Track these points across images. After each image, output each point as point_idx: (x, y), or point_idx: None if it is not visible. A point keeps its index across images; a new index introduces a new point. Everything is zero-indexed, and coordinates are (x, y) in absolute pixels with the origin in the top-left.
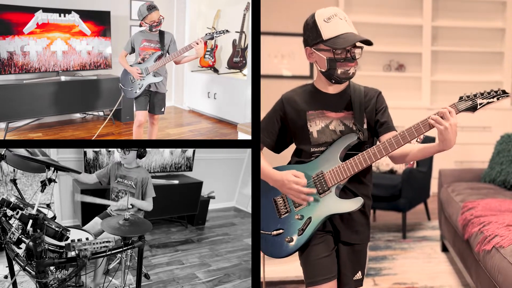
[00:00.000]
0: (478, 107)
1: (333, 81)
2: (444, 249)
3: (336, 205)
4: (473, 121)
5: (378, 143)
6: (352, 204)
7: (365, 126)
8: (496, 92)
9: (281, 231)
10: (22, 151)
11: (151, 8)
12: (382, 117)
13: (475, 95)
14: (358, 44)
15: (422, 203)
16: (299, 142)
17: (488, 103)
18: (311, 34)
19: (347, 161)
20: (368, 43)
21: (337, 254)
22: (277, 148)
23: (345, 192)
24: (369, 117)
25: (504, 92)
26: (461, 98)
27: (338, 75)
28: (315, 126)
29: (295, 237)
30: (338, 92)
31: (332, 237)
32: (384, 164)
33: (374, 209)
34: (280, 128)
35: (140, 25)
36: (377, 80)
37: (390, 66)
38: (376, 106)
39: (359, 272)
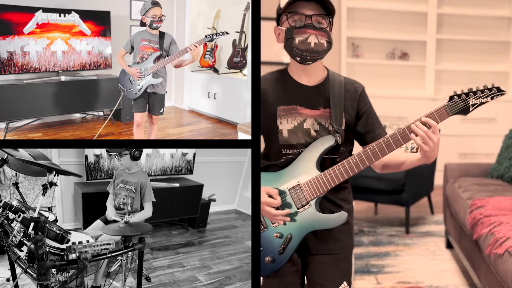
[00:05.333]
0: (471, 109)
1: (298, 58)
2: (449, 245)
3: (316, 220)
4: (477, 112)
5: (360, 151)
6: (334, 220)
7: (343, 126)
8: (490, 90)
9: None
10: (25, 154)
11: (155, 3)
12: (367, 124)
13: (467, 94)
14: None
15: (426, 196)
16: (266, 139)
17: (481, 103)
18: (276, 13)
19: (326, 172)
20: (328, 5)
21: (313, 265)
22: None
23: (322, 201)
24: (348, 116)
25: (499, 89)
26: (451, 98)
27: (296, 45)
28: (286, 124)
29: (276, 257)
30: (315, 85)
31: (295, 253)
32: None
33: (376, 203)
34: None
35: (142, 22)
36: (379, 68)
37: (394, 54)
38: (358, 107)
39: (344, 282)
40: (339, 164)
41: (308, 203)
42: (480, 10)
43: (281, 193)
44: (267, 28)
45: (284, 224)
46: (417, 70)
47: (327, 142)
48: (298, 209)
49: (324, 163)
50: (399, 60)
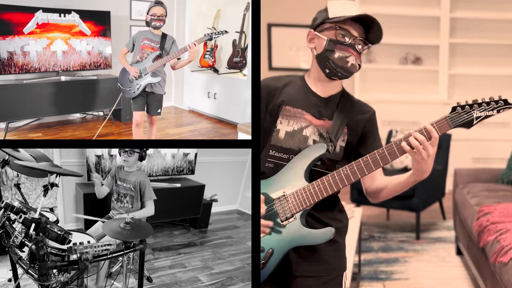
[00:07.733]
0: (475, 122)
1: (327, 70)
2: (459, 252)
3: (301, 236)
4: (491, 117)
5: (352, 163)
6: (320, 236)
7: (342, 144)
8: (496, 102)
9: None
10: (26, 155)
11: (157, 2)
12: (372, 148)
13: (471, 106)
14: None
15: (438, 201)
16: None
17: (486, 116)
18: (318, 16)
19: (314, 183)
20: (376, 31)
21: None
22: None
23: (310, 219)
24: (351, 136)
25: (506, 102)
26: (454, 109)
27: (335, 59)
28: (286, 126)
29: None
30: (327, 97)
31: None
32: (397, 161)
33: (387, 208)
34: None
35: (146, 21)
36: (393, 73)
37: (407, 59)
38: (364, 129)
39: None
40: (328, 175)
41: (293, 216)
42: (493, 14)
43: (269, 201)
44: (279, 34)
45: (270, 233)
46: (430, 74)
47: (318, 150)
48: (282, 221)
49: (316, 177)
50: (412, 64)
